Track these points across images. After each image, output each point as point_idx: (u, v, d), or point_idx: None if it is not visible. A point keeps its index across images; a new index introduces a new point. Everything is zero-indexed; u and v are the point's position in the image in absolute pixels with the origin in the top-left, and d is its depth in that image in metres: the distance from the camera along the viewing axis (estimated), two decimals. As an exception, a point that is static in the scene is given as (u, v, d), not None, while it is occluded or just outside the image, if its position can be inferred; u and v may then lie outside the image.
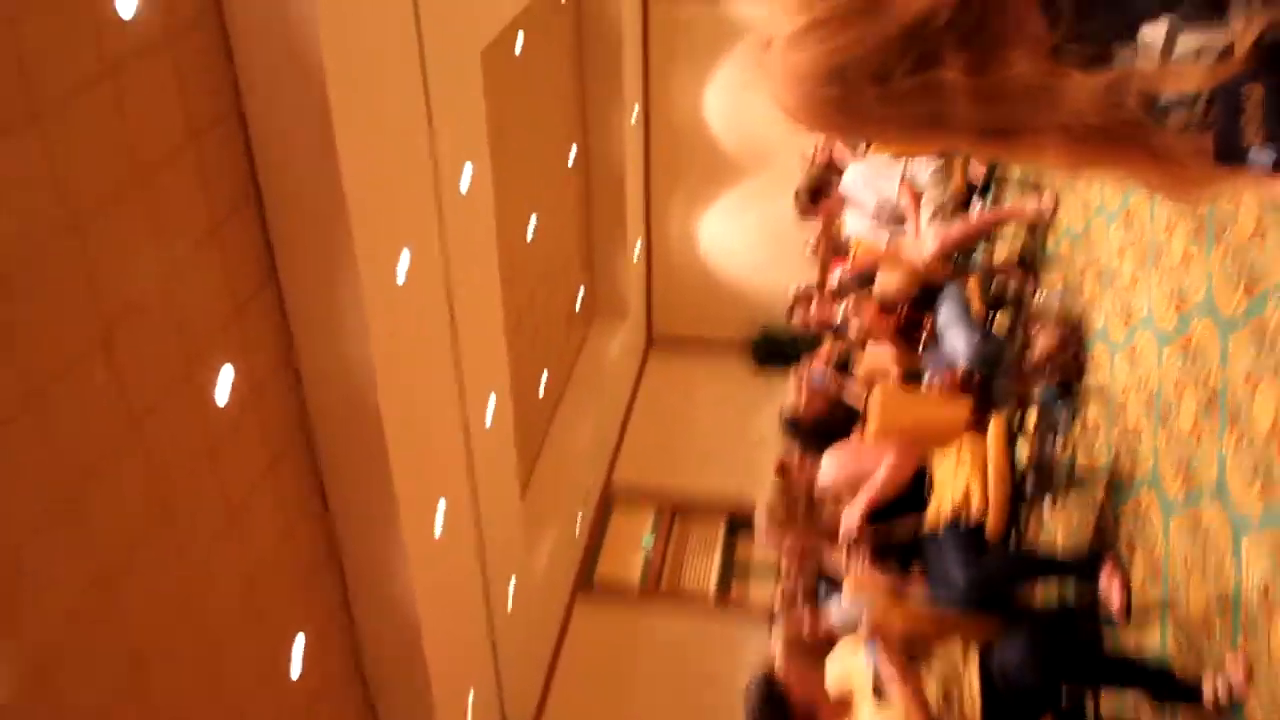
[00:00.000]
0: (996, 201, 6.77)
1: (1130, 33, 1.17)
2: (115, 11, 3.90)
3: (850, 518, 4.35)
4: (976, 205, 6.51)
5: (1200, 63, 1.15)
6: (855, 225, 6.67)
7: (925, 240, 5.79)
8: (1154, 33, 1.16)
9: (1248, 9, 1.12)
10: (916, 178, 6.00)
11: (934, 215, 5.83)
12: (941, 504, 4.20)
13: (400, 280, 5.60)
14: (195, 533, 4.62)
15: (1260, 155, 1.13)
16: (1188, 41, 1.15)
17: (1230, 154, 1.15)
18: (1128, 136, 1.19)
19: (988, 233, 6.46)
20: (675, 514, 11.43)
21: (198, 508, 4.62)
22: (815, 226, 7.64)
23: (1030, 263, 6.00)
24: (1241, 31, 1.11)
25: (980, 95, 1.18)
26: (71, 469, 3.81)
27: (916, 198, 5.90)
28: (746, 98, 11.50)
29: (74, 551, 3.84)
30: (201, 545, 4.67)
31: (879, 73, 1.18)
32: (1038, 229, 6.11)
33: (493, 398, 7.42)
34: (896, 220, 6.21)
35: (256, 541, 5.13)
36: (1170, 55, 1.16)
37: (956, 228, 5.80)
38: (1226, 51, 1.13)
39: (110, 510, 4.02)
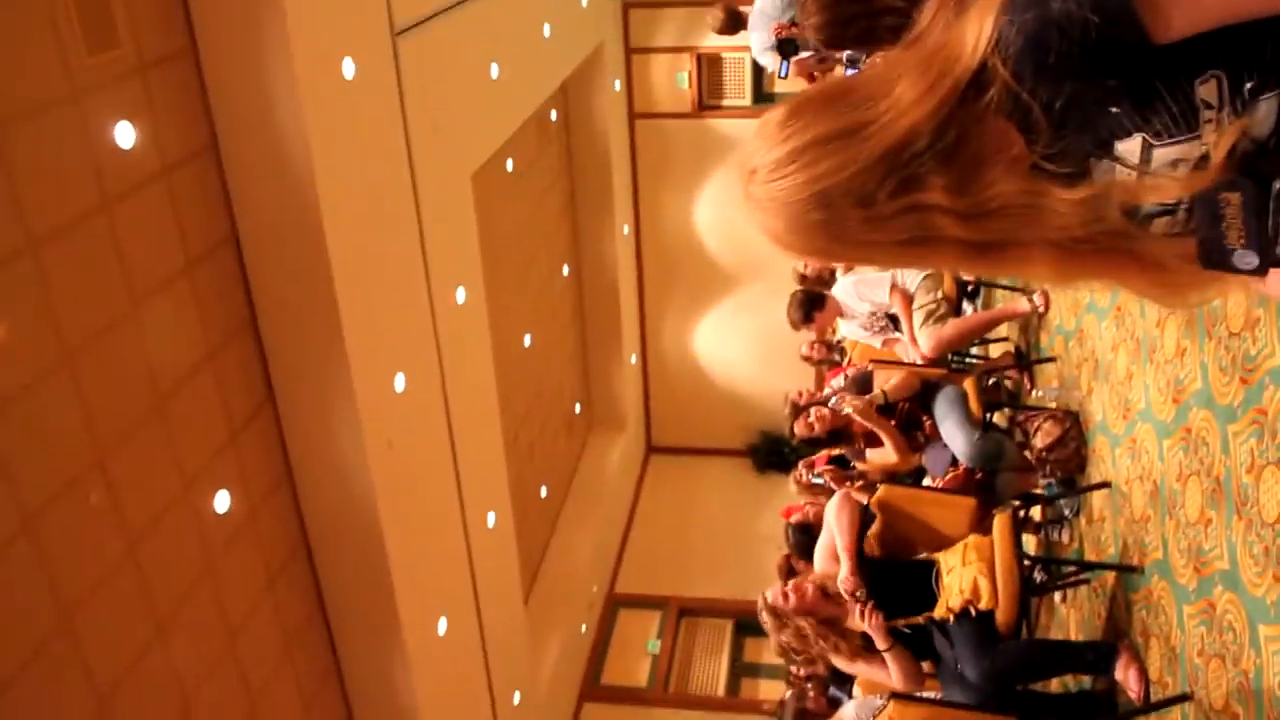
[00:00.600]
0: (986, 304, 6.83)
1: (1106, 149, 1.19)
2: (114, 142, 3.97)
3: (844, 579, 4.27)
4: (968, 308, 6.56)
5: (1177, 173, 1.17)
6: (849, 330, 6.72)
7: (920, 343, 5.83)
8: (1129, 147, 1.18)
9: (1218, 122, 1.14)
10: (907, 283, 6.06)
11: (926, 319, 5.88)
12: (950, 599, 4.15)
13: (397, 399, 5.62)
14: (192, 655, 4.55)
15: (1244, 259, 1.14)
16: (1163, 154, 1.17)
17: (1215, 258, 1.17)
18: (1113, 246, 1.21)
19: (981, 333, 6.49)
20: (681, 617, 11.31)
21: (195, 630, 4.57)
22: (809, 335, 7.69)
23: (1025, 361, 6.03)
24: (1215, 143, 1.14)
25: (964, 214, 1.20)
26: (65, 593, 3.77)
27: (908, 301, 5.95)
28: (734, 210, 11.62)
29: (65, 677, 3.78)
30: (199, 668, 4.61)
31: (862, 197, 1.20)
32: (1030, 328, 6.15)
33: (491, 514, 7.40)
34: (890, 326, 6.25)
35: (255, 663, 5.05)
36: (1148, 166, 1.18)
37: (950, 328, 5.83)
38: (1202, 160, 1.16)
39: (104, 635, 3.98)
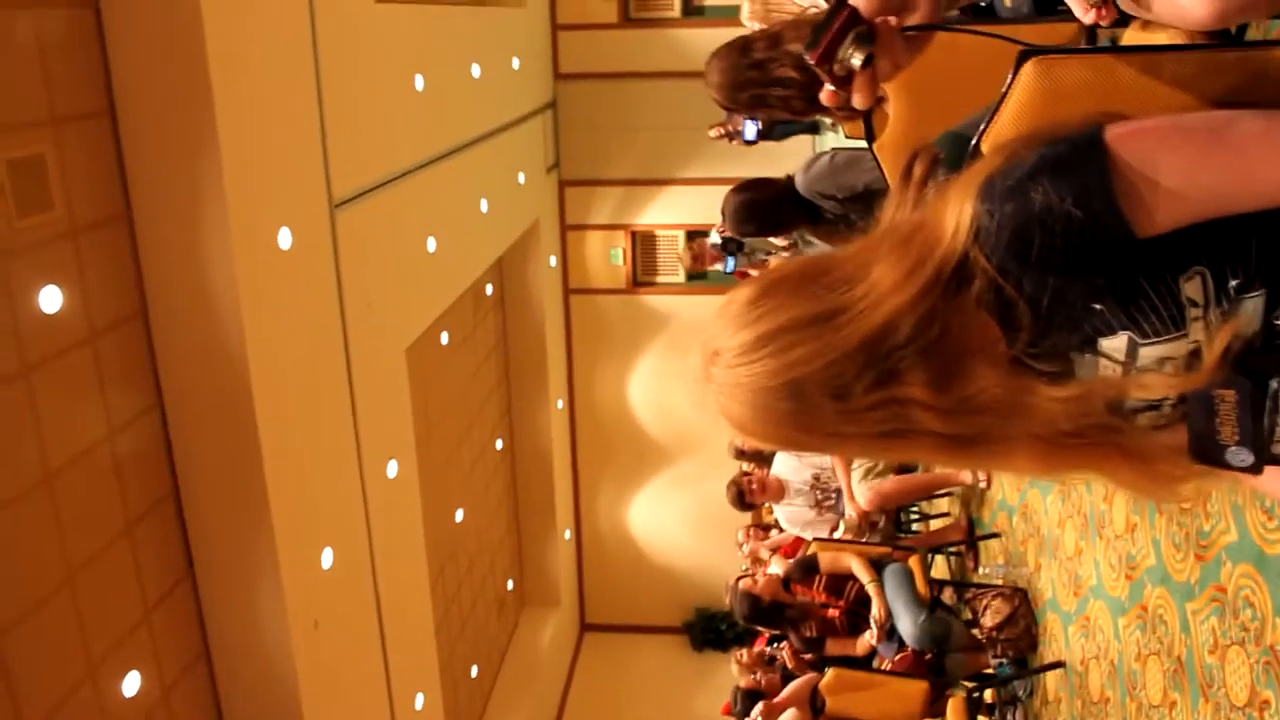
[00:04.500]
0: (927, 470, 6.81)
1: (1090, 346, 1.14)
2: (39, 306, 3.85)
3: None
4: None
5: (1165, 370, 1.13)
6: (788, 519, 6.62)
7: (858, 497, 5.77)
8: (1114, 345, 1.14)
9: (1205, 320, 1.10)
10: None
11: (866, 475, 5.84)
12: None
13: (323, 575, 5.41)
14: None
15: (1238, 456, 1.10)
16: (1150, 353, 1.13)
17: (1207, 454, 1.11)
18: (1100, 440, 1.15)
19: (922, 495, 6.46)
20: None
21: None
22: (747, 518, 7.60)
23: (970, 538, 5.97)
24: (1204, 340, 1.10)
25: (945, 410, 1.13)
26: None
27: (847, 461, 5.92)
28: (670, 385, 11.71)
29: None
30: None
31: (838, 389, 1.12)
32: (971, 503, 6.12)
33: (420, 696, 7.10)
34: (834, 499, 6.18)
35: None
36: (1134, 364, 1.13)
37: (891, 484, 5.80)
38: (1192, 356, 1.12)
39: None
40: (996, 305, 1.12)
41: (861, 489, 5.82)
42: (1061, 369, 1.15)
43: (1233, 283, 1.10)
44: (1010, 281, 1.10)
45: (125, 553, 4.42)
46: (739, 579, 5.45)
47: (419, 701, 7.08)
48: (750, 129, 8.70)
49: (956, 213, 1.11)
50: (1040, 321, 1.12)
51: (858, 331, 1.11)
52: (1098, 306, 1.11)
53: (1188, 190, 1.04)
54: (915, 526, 6.97)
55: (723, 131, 9.78)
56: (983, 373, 1.12)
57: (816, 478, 6.18)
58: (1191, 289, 1.10)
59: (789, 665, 5.70)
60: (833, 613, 5.22)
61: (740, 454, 8.14)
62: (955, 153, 1.40)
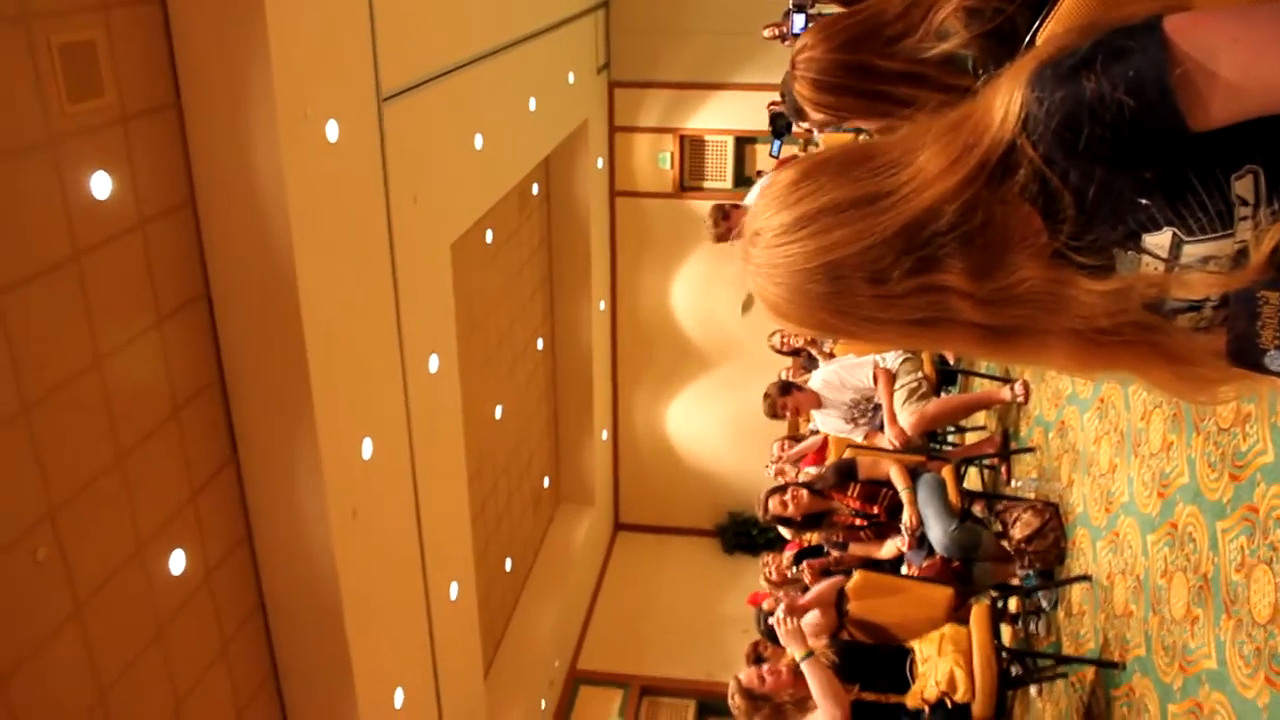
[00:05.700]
0: (965, 390, 6.79)
1: (1134, 241, 1.12)
2: (90, 192, 3.89)
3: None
4: (944, 395, 6.51)
5: (1209, 269, 1.10)
6: (827, 424, 6.62)
7: (902, 420, 5.77)
8: (1158, 241, 1.12)
9: (1254, 220, 1.08)
10: (887, 362, 6.02)
11: (908, 398, 5.82)
12: (925, 690, 4.05)
13: (363, 465, 5.51)
14: (138, 723, 4.38)
15: (1276, 361, 1.07)
16: (1194, 251, 1.10)
17: (1246, 357, 1.09)
18: (1137, 339, 1.13)
19: (963, 415, 6.44)
20: (643, 696, 11.17)
21: (140, 696, 4.40)
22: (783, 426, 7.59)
23: (1005, 451, 5.97)
24: (1252, 240, 1.08)
25: (983, 299, 1.12)
26: (2, 656, 3.61)
27: (891, 380, 5.90)
28: (712, 291, 11.70)
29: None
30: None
31: (875, 273, 1.12)
32: (1009, 418, 6.10)
33: (454, 585, 7.25)
34: (874, 415, 6.17)
35: (205, 734, 4.88)
36: (1177, 262, 1.11)
37: (933, 406, 5.78)
38: (1239, 256, 1.09)
39: (42, 702, 3.81)
40: (1041, 196, 1.11)
41: (904, 412, 5.81)
42: (1103, 264, 1.13)
43: None
44: (1056, 172, 1.08)
45: (172, 436, 4.52)
46: (769, 493, 5.45)
47: (453, 591, 7.23)
48: (799, 22, 8.55)
49: (1006, 100, 1.09)
50: (1084, 214, 1.10)
51: (899, 216, 1.10)
52: (1144, 201, 1.09)
53: (1246, 84, 1.01)
54: (951, 438, 6.98)
55: (776, 32, 9.65)
56: (1023, 263, 1.11)
57: (855, 402, 6.17)
58: (1242, 187, 1.08)
59: (809, 584, 5.74)
60: (862, 521, 5.26)
61: (779, 351, 8.16)
62: None
